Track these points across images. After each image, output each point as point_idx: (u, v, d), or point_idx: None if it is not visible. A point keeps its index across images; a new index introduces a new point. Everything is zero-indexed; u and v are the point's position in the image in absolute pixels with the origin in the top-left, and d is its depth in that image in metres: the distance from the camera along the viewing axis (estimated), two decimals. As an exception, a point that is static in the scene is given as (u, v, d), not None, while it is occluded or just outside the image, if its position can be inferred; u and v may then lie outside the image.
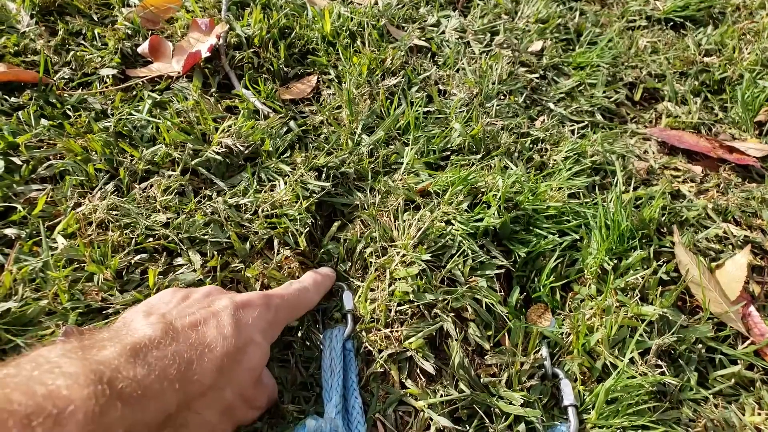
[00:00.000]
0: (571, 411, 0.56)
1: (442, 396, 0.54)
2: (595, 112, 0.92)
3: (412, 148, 0.77)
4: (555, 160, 0.80)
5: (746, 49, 1.04)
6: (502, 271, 0.66)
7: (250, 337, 0.39)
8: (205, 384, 0.34)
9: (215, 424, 0.38)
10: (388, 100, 0.84)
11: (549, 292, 0.66)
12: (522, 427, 0.54)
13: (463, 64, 0.94)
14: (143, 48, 0.85)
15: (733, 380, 0.60)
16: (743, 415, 0.57)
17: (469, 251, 0.65)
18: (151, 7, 0.91)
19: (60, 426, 0.22)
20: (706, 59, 1.03)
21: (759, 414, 0.57)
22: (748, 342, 0.63)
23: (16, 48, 0.81)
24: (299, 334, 0.59)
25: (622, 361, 0.57)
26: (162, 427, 0.30)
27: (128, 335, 0.34)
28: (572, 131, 0.87)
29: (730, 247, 0.72)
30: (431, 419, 0.53)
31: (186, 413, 0.33)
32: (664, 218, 0.74)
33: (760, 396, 0.58)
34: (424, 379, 0.56)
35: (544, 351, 0.61)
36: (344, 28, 0.94)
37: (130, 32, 0.88)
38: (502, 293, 0.64)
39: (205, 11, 0.93)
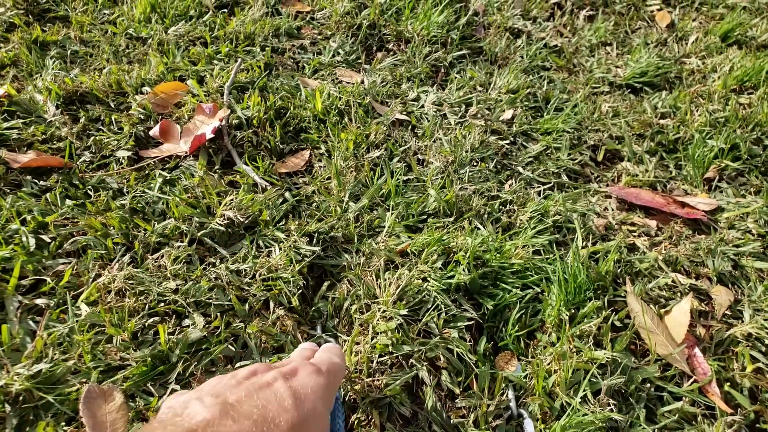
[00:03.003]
0: (533, 448, 0.63)
1: (416, 437, 0.62)
2: (561, 173, 1.03)
3: (392, 213, 0.86)
4: (521, 220, 0.89)
5: (697, 111, 1.15)
6: (472, 322, 0.74)
7: (312, 406, 0.37)
8: None
9: None
10: (372, 171, 0.94)
11: (515, 340, 0.74)
12: (488, 463, 0.61)
13: (439, 134, 1.05)
14: (154, 131, 0.96)
15: (677, 415, 0.67)
16: (687, 447, 0.64)
17: (443, 305, 0.74)
18: (161, 94, 1.03)
19: None
20: (661, 121, 1.14)
21: (702, 447, 0.64)
22: (692, 380, 0.70)
23: (44, 136, 0.93)
24: (292, 385, 0.67)
25: (575, 400, 0.64)
26: None
27: (187, 421, 0.33)
28: (538, 192, 0.97)
29: (679, 294, 0.81)
30: (408, 458, 0.60)
31: None
32: (619, 270, 0.83)
33: (701, 429, 0.65)
34: (401, 422, 0.64)
35: (510, 393, 0.68)
36: (333, 107, 1.06)
37: (142, 117, 1.00)
38: (472, 342, 0.73)
39: (209, 95, 1.05)
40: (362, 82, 1.16)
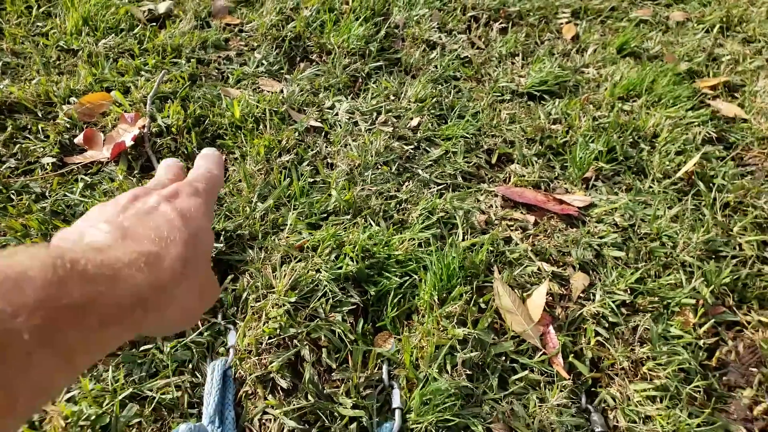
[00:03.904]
0: (397, 413, 0.73)
1: (293, 405, 0.71)
2: (457, 175, 1.14)
3: (294, 213, 0.96)
4: (412, 217, 1.00)
5: (584, 117, 1.28)
6: (356, 306, 0.85)
7: (198, 223, 0.38)
8: (177, 272, 0.34)
9: (195, 305, 0.39)
10: (281, 174, 1.03)
11: (394, 322, 0.84)
12: (354, 426, 0.71)
13: (349, 140, 1.15)
14: (79, 139, 1.04)
15: (525, 383, 0.78)
16: (527, 407, 0.76)
17: (331, 292, 0.84)
18: (88, 104, 1.10)
19: (18, 287, 0.23)
20: (553, 126, 1.27)
21: (540, 406, 0.76)
22: (541, 353, 0.82)
23: (-30, 144, 0.99)
24: (190, 366, 0.76)
25: (432, 370, 0.75)
26: (135, 307, 0.30)
27: (86, 242, 0.33)
28: (432, 193, 1.08)
29: (545, 280, 0.92)
30: (284, 424, 0.70)
31: (165, 298, 0.33)
32: (492, 260, 0.94)
33: (543, 393, 0.77)
34: (282, 394, 0.73)
35: (384, 367, 0.79)
36: (251, 115, 1.15)
37: (68, 126, 1.07)
38: (354, 324, 0.83)
39: (133, 105, 1.13)
40: (281, 91, 1.25)
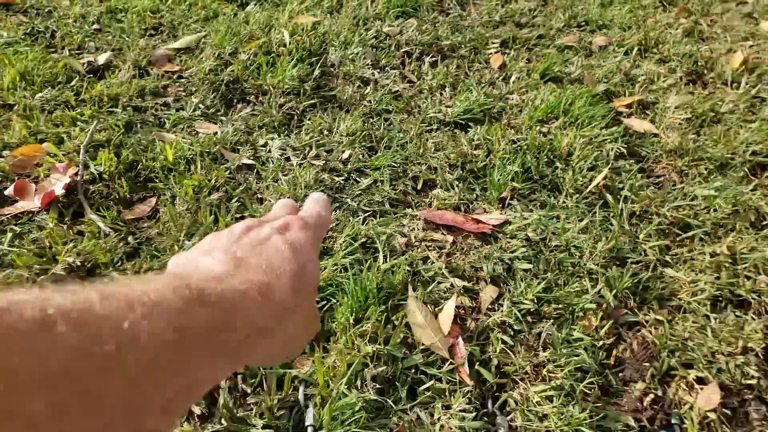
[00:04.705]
0: (309, 430, 0.77)
1: (207, 431, 0.75)
2: (385, 202, 1.20)
3: (220, 248, 1.01)
4: (337, 244, 1.06)
5: (503, 141, 1.37)
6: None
7: (306, 256, 0.40)
8: (287, 303, 0.36)
9: (301, 335, 0.41)
10: (207, 211, 1.09)
11: (311, 345, 0.89)
12: (266, 444, 0.75)
13: (279, 175, 1.21)
14: (9, 190, 1.08)
15: (431, 392, 0.83)
16: (433, 415, 0.80)
17: (250, 321, 0.88)
18: (20, 156, 1.15)
19: (153, 312, 0.25)
20: (474, 152, 1.35)
21: (445, 413, 0.80)
22: (448, 363, 0.87)
23: None
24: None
25: (340, 386, 0.79)
26: (249, 336, 0.32)
27: (206, 272, 0.34)
28: (359, 220, 1.14)
29: (456, 295, 0.98)
30: (200, 448, 0.74)
31: (276, 327, 0.35)
32: (409, 279, 1.00)
33: (448, 400, 0.82)
34: (197, 420, 0.77)
35: (301, 389, 0.83)
36: (183, 157, 1.20)
37: (0, 178, 1.11)
38: (272, 350, 0.87)
39: (67, 155, 1.18)
40: (216, 133, 1.31)
